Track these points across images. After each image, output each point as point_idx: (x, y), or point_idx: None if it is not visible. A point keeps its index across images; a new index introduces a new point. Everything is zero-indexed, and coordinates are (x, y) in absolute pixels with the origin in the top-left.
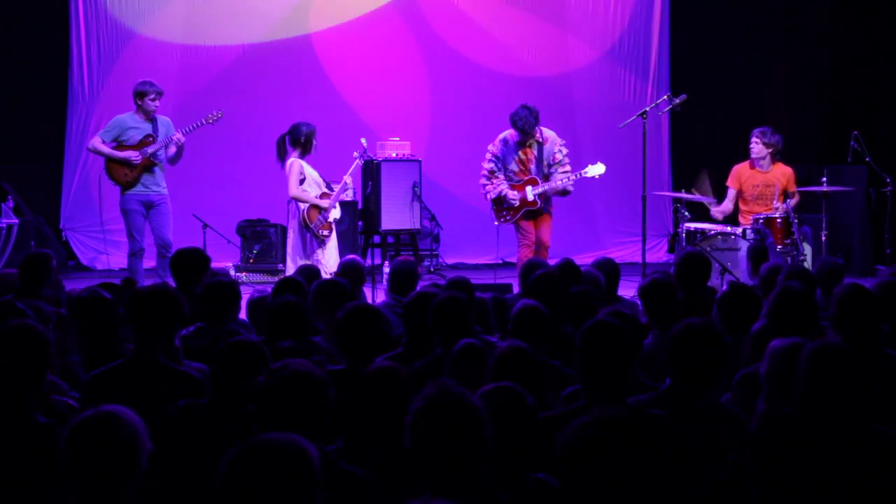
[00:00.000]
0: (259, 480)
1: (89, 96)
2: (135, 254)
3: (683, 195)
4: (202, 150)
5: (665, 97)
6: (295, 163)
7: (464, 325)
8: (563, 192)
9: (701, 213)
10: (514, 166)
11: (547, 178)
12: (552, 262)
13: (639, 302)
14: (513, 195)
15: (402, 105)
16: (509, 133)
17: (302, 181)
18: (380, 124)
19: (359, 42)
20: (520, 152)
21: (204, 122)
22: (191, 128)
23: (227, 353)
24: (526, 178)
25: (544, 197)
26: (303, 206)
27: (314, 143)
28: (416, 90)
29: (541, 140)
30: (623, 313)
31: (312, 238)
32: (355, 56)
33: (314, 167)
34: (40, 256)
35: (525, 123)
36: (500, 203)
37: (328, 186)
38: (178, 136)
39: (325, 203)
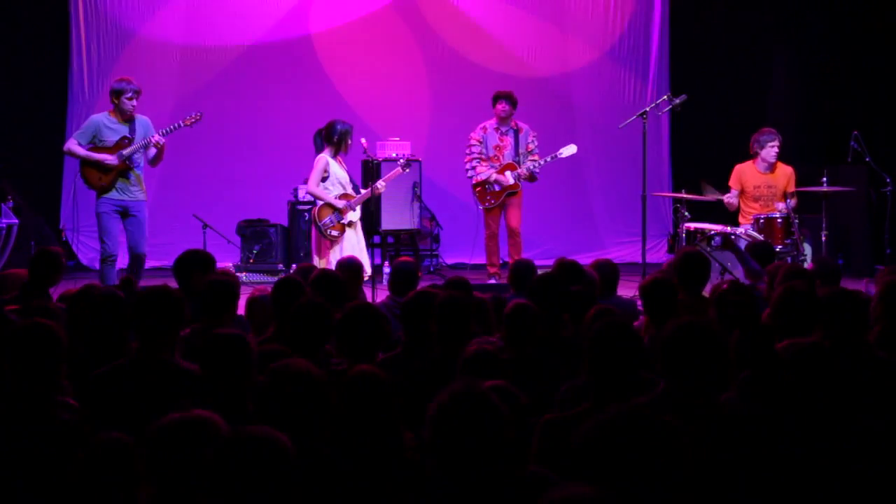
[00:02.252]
0: (236, 470)
1: (89, 96)
2: (106, 260)
3: (684, 195)
4: (202, 150)
5: (665, 97)
6: (321, 159)
7: (465, 326)
8: (531, 178)
9: (701, 213)
10: (491, 151)
11: (519, 164)
12: (551, 262)
13: (639, 302)
14: (502, 178)
15: (402, 105)
16: (488, 122)
17: (325, 179)
18: (380, 124)
19: (359, 42)
20: (497, 138)
21: (182, 124)
22: (169, 129)
23: (211, 347)
24: (502, 164)
25: (521, 180)
26: (318, 202)
27: (348, 142)
28: (416, 90)
29: (517, 128)
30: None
31: (322, 237)
32: (355, 56)
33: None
34: (50, 253)
35: (505, 98)
36: (483, 187)
37: (356, 189)
38: (157, 137)
39: (340, 203)
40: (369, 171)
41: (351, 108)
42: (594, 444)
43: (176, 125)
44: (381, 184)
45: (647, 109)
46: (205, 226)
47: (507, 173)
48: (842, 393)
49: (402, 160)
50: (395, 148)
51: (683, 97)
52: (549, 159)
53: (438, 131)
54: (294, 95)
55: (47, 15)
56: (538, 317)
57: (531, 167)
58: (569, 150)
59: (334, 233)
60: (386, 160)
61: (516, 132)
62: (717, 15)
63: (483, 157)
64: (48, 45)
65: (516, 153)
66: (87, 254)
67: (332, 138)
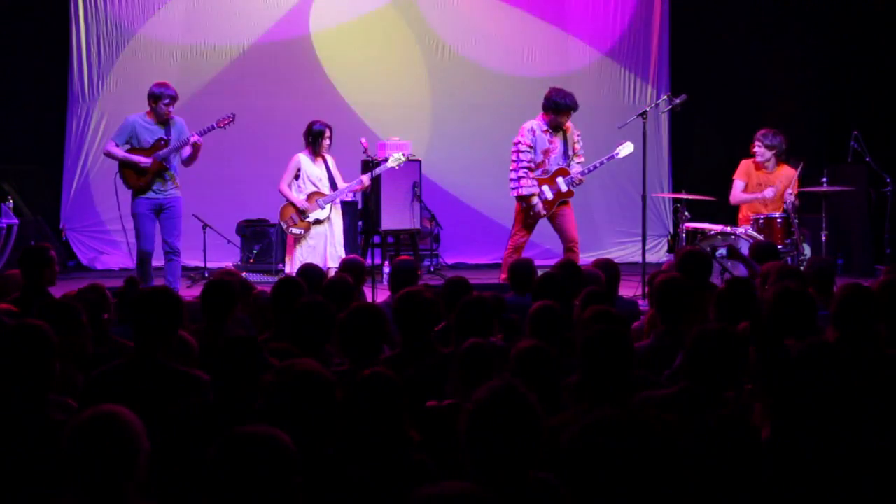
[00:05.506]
0: (239, 471)
1: (89, 96)
2: (144, 259)
3: (684, 195)
4: (202, 150)
5: (665, 97)
6: (294, 158)
7: (486, 327)
8: (578, 182)
9: (701, 213)
10: (539, 157)
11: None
12: (551, 262)
13: (640, 302)
14: (538, 204)
15: (402, 105)
16: (535, 122)
17: (297, 177)
18: (380, 124)
19: (359, 42)
20: (547, 140)
21: (216, 125)
22: (205, 130)
23: (224, 350)
24: (548, 169)
25: (574, 185)
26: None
27: (322, 142)
28: (416, 90)
29: (565, 127)
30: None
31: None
32: (355, 56)
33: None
34: (36, 250)
35: (566, 99)
36: (529, 199)
37: (333, 185)
38: (195, 137)
39: (301, 203)
40: (369, 171)
41: (351, 108)
42: (580, 447)
43: (210, 126)
44: (365, 178)
45: (647, 109)
46: (205, 226)
47: (559, 180)
48: (853, 391)
49: (402, 155)
50: (395, 148)
51: (683, 97)
52: (605, 160)
53: (438, 131)
54: (294, 95)
55: (47, 15)
56: (562, 319)
57: (584, 172)
58: (626, 149)
59: (295, 230)
60: (386, 160)
61: (564, 132)
62: (717, 15)
63: (532, 165)
64: (48, 45)
65: (566, 156)
66: (87, 254)
67: (308, 138)
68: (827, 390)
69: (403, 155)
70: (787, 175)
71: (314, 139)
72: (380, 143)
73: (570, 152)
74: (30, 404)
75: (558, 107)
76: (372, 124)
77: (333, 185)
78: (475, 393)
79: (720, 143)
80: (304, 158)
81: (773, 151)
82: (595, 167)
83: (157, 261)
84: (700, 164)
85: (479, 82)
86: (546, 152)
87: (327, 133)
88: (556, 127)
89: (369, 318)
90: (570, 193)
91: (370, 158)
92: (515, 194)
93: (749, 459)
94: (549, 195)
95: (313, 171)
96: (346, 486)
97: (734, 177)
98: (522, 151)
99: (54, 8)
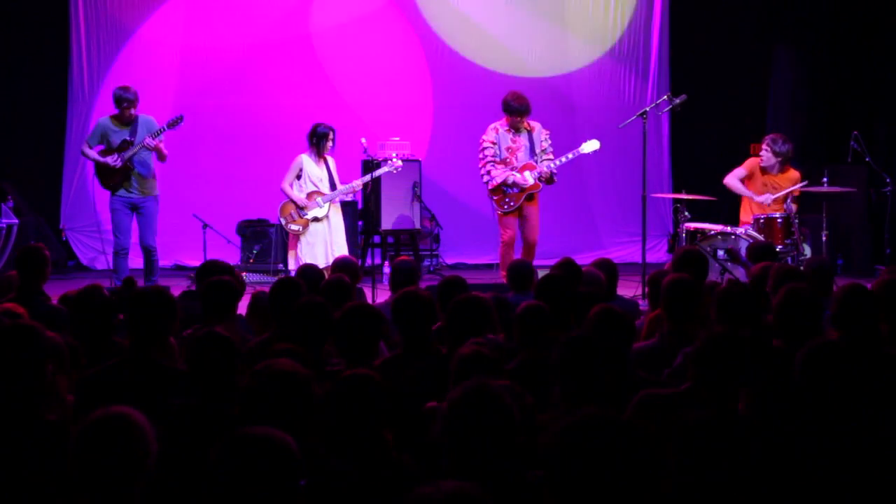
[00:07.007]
0: (243, 471)
1: (89, 96)
2: (118, 252)
3: (684, 195)
4: (202, 150)
5: (665, 97)
6: (297, 158)
7: (478, 326)
8: (550, 179)
9: (701, 213)
10: (503, 154)
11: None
12: (551, 262)
13: (640, 302)
14: (522, 178)
15: (402, 105)
16: (498, 123)
17: (299, 177)
18: (380, 124)
19: (359, 42)
20: (510, 139)
21: (166, 127)
22: (156, 132)
23: (197, 346)
24: (516, 165)
25: (542, 180)
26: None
27: (325, 144)
28: (417, 90)
29: (529, 128)
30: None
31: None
32: (355, 56)
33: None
34: (32, 250)
35: (517, 103)
36: (502, 190)
37: (333, 186)
38: (148, 140)
39: (301, 201)
40: (369, 171)
41: (351, 108)
42: (558, 447)
43: (161, 128)
44: (357, 183)
45: (647, 109)
46: (205, 226)
47: (527, 173)
48: (857, 391)
49: (395, 160)
50: (395, 148)
51: (683, 97)
52: (570, 156)
53: (438, 131)
54: (294, 95)
55: (47, 15)
56: (550, 319)
57: (551, 167)
58: (591, 145)
59: (294, 227)
60: (386, 160)
61: (529, 132)
62: (717, 15)
63: (497, 159)
64: (48, 45)
65: (532, 153)
66: (87, 254)
67: (312, 139)
68: (833, 390)
69: (399, 159)
70: (791, 178)
71: (318, 140)
72: (380, 143)
73: (538, 150)
74: (23, 404)
75: (511, 110)
76: (372, 124)
77: (333, 187)
78: (449, 393)
79: (720, 143)
80: (306, 159)
81: (780, 159)
82: (562, 162)
83: (138, 262)
84: (700, 164)
85: (479, 82)
86: (510, 150)
87: (331, 135)
88: (516, 128)
89: (365, 317)
90: (536, 186)
91: (370, 158)
92: (491, 186)
93: (747, 458)
94: (526, 183)
95: (314, 172)
96: (325, 484)
97: (742, 167)
98: (486, 147)
99: (54, 8)
